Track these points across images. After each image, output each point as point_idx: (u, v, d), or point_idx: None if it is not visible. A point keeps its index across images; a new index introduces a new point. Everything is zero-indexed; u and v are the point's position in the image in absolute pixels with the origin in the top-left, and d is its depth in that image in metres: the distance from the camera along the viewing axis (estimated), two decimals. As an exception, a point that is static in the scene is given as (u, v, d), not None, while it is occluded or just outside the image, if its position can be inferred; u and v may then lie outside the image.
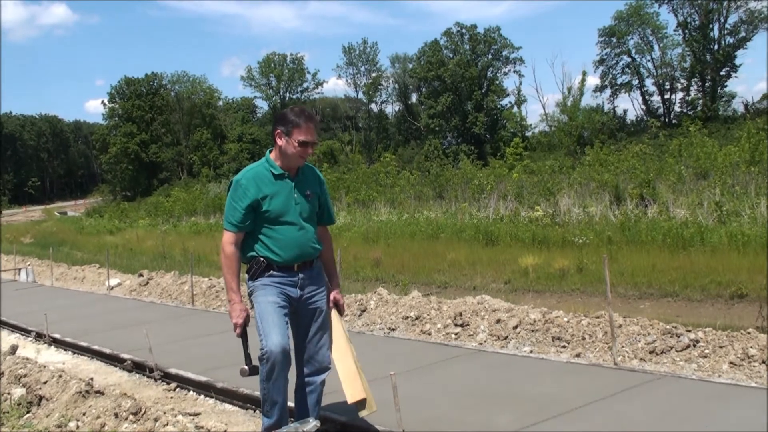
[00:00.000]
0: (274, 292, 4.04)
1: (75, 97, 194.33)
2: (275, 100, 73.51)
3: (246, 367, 4.05)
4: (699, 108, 50.48)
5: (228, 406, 5.66)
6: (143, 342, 6.71)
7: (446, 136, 63.17)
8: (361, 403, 4.03)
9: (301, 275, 4.12)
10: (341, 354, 4.12)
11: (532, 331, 6.99)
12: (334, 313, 4.25)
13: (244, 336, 4.06)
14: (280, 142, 4.05)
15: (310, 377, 4.18)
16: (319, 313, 4.19)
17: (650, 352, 6.04)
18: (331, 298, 4.27)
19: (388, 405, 4.10)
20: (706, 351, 5.82)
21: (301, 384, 4.22)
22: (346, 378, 4.04)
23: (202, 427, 4.57)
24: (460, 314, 7.64)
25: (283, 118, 4.07)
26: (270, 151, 4.16)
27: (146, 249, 22.53)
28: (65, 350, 8.64)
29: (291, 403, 4.19)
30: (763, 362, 5.45)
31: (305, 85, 73.72)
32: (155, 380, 6.66)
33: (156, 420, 4.52)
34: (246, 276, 4.16)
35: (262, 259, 4.06)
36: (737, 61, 50.96)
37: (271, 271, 4.06)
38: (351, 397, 4.01)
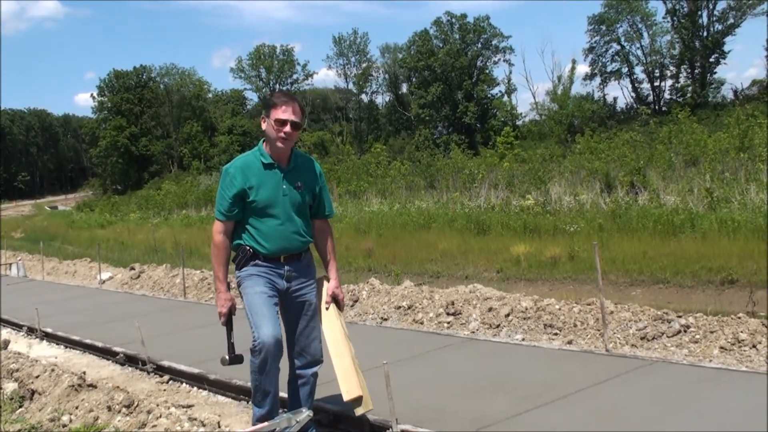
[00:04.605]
0: (261, 282, 4.00)
1: (64, 90, 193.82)
2: (265, 92, 73.28)
3: (227, 357, 4.05)
4: (688, 95, 50.60)
5: (221, 398, 5.66)
6: (135, 335, 6.70)
7: (437, 126, 63.18)
8: (357, 401, 4.01)
9: (287, 267, 4.07)
10: (338, 351, 4.07)
11: (524, 318, 7.01)
12: (333, 308, 4.18)
13: (228, 325, 4.06)
14: (264, 126, 4.02)
15: (301, 370, 4.16)
16: (308, 305, 4.15)
17: (641, 338, 6.07)
18: (330, 292, 4.19)
19: (381, 394, 4.11)
20: (697, 336, 5.85)
21: (294, 376, 4.20)
22: (343, 375, 4.01)
23: (195, 419, 4.56)
24: (453, 303, 7.65)
25: (265, 102, 4.08)
26: (263, 141, 4.11)
27: (137, 242, 22.46)
28: (57, 344, 8.62)
29: (283, 394, 4.20)
30: (754, 346, 5.49)
31: (295, 76, 73.61)
32: (148, 373, 6.66)
33: (149, 412, 4.52)
34: (234, 266, 4.14)
35: (248, 248, 4.03)
36: (726, 48, 51.14)
37: (257, 261, 4.03)
38: (347, 394, 3.98)
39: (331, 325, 4.16)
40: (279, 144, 3.97)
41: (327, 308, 4.17)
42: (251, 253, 4.03)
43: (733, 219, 11.34)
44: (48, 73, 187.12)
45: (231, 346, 4.07)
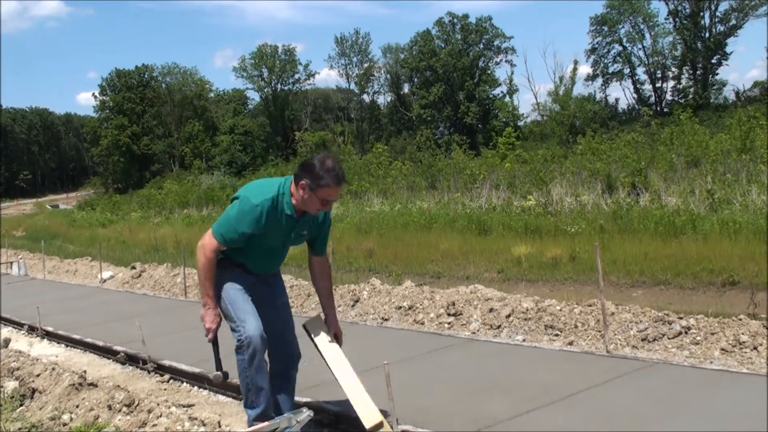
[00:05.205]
0: (239, 279, 4.09)
1: (66, 89, 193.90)
2: (267, 92, 73.30)
3: (220, 373, 4.12)
4: (690, 96, 50.54)
5: (221, 397, 5.66)
6: (136, 334, 6.70)
7: (438, 126, 63.13)
8: (378, 426, 3.96)
9: (260, 276, 4.23)
10: (349, 378, 4.06)
11: (525, 319, 7.00)
12: (335, 344, 4.22)
13: (215, 342, 4.09)
14: (303, 192, 3.87)
15: (286, 367, 4.26)
16: (283, 305, 4.31)
17: (642, 340, 6.06)
18: (332, 330, 4.22)
19: (382, 395, 4.11)
20: (698, 338, 5.84)
21: (277, 374, 4.26)
22: (359, 402, 3.97)
23: (195, 419, 4.57)
24: (453, 304, 7.65)
25: (311, 170, 3.84)
26: (290, 182, 3.99)
27: (139, 241, 22.46)
28: (58, 343, 8.63)
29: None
30: (755, 348, 5.48)
31: (297, 76, 73.54)
32: (148, 372, 6.66)
33: (149, 411, 4.52)
34: None
35: (231, 259, 4.12)
36: (728, 49, 51.09)
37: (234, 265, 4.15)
38: (367, 420, 3.92)
39: (337, 355, 4.14)
40: (313, 213, 4.01)
41: (330, 342, 4.17)
42: (231, 262, 4.12)
43: (735, 220, 11.34)
44: (50, 72, 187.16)
45: (219, 362, 4.14)
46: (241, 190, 4.11)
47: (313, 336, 4.19)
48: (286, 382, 4.25)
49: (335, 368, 4.09)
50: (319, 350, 4.16)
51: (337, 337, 4.24)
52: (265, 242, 4.03)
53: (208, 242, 4.01)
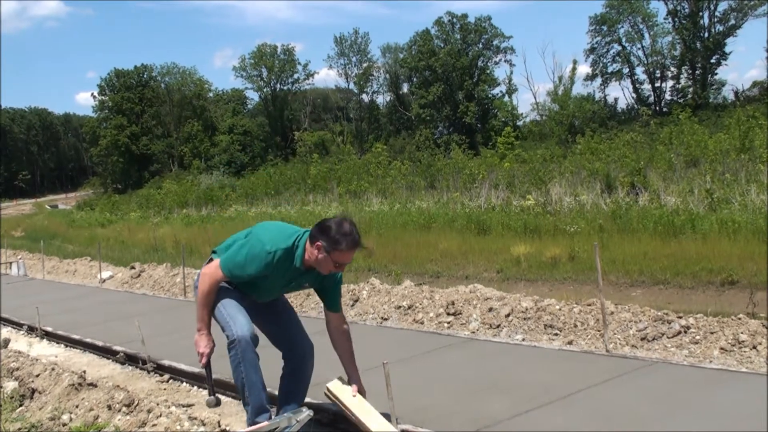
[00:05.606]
0: (232, 292, 4.12)
1: (65, 89, 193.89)
2: (266, 92, 73.27)
3: (213, 398, 4.16)
4: (689, 96, 50.53)
5: (221, 397, 5.65)
6: (136, 334, 6.70)
7: (437, 126, 63.13)
8: None
9: None
10: (367, 412, 4.04)
11: (525, 319, 7.01)
12: (359, 397, 4.13)
13: (208, 367, 4.13)
14: (317, 252, 3.86)
15: (293, 369, 4.26)
16: (283, 305, 4.41)
17: (642, 339, 6.07)
18: (355, 389, 4.12)
19: (382, 394, 4.11)
20: (697, 337, 5.85)
21: (286, 374, 4.28)
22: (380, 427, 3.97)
23: (195, 418, 4.57)
24: (453, 303, 7.65)
25: (328, 233, 3.83)
26: (306, 240, 3.96)
27: (138, 241, 22.44)
28: (57, 343, 8.62)
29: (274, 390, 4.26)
30: (754, 347, 5.49)
31: (296, 76, 73.53)
32: (148, 372, 6.66)
33: (149, 411, 4.52)
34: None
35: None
36: (728, 49, 51.08)
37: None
38: None
39: (366, 408, 4.08)
40: (324, 273, 3.99)
41: (354, 397, 4.09)
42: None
43: (734, 220, 11.34)
44: (49, 71, 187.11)
45: (212, 387, 4.18)
46: (256, 228, 4.11)
47: (337, 396, 4.11)
48: (295, 383, 4.23)
49: (368, 421, 4.01)
50: (346, 408, 4.07)
51: (361, 394, 4.13)
52: (265, 283, 4.05)
53: (214, 272, 4.04)
